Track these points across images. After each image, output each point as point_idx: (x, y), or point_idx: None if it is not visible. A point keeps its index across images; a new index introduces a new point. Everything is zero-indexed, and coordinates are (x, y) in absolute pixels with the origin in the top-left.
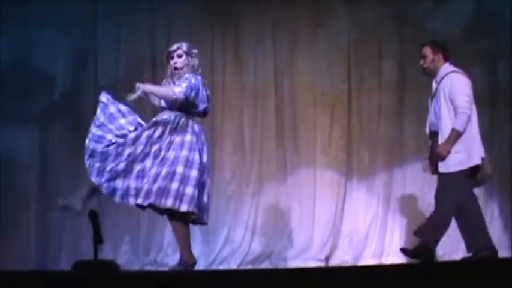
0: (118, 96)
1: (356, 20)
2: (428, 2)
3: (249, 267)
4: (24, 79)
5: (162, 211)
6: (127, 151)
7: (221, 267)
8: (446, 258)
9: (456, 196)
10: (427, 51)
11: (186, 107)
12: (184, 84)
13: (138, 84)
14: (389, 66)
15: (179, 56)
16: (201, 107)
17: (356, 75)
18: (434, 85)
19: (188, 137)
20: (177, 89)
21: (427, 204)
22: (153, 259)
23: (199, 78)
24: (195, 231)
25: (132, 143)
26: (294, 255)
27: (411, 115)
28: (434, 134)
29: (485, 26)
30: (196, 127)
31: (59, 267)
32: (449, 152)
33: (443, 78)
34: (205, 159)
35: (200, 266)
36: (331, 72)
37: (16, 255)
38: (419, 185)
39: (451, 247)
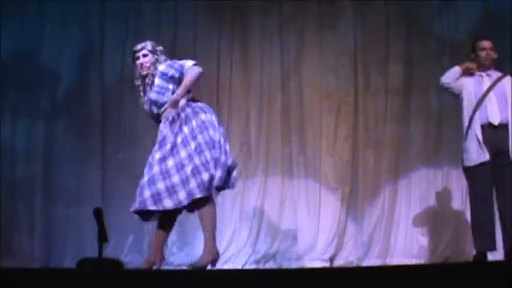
0: (123, 92)
1: (363, 21)
2: (436, 4)
3: (254, 267)
4: (29, 72)
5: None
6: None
7: (226, 267)
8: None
9: None
10: (492, 44)
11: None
12: (181, 62)
13: (170, 103)
14: (395, 67)
15: (145, 56)
16: None
17: (362, 76)
18: (485, 78)
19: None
20: (190, 63)
21: (432, 204)
22: None
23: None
24: (201, 230)
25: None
26: (299, 256)
27: (417, 117)
28: (492, 125)
29: (492, 28)
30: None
31: (63, 264)
32: None
33: (504, 76)
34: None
35: None
36: (337, 73)
37: (19, 252)
38: (424, 185)
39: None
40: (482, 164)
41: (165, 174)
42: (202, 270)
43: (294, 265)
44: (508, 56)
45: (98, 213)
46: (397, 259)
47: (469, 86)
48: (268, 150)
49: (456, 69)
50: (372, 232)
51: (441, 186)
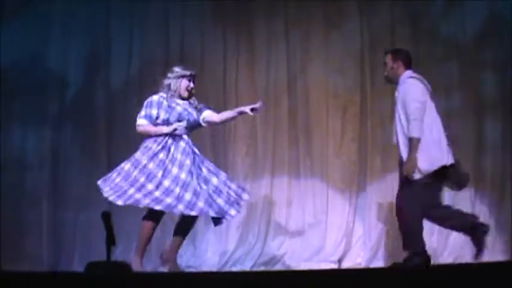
0: (129, 96)
1: (369, 21)
2: (442, 4)
3: (262, 269)
4: (36, 79)
5: None
6: None
7: (234, 269)
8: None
9: (419, 202)
10: (388, 59)
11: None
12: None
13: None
14: None
15: (195, 83)
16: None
17: (369, 77)
18: (396, 94)
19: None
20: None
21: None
22: None
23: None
24: (209, 233)
25: None
26: (307, 257)
27: None
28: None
29: (498, 29)
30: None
31: (71, 268)
32: (415, 163)
33: (400, 86)
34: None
35: (213, 267)
36: (343, 74)
37: (28, 256)
38: None
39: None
40: None
41: None
42: (209, 272)
43: (302, 267)
44: None
45: (106, 217)
46: None
47: None
48: (274, 152)
49: None
50: (380, 233)
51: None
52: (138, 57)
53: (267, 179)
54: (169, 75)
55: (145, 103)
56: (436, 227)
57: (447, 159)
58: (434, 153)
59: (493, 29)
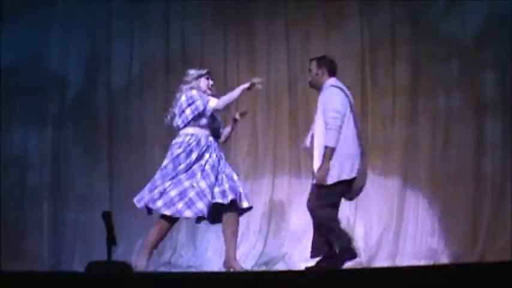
0: (130, 97)
1: (369, 21)
2: (442, 4)
3: (263, 268)
4: (36, 79)
5: None
6: None
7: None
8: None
9: (327, 207)
10: (312, 65)
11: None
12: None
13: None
14: (402, 68)
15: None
16: None
17: (369, 77)
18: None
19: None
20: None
21: (441, 205)
22: (166, 260)
23: None
24: (210, 233)
25: None
26: (308, 257)
27: (425, 117)
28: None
29: (498, 29)
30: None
31: (72, 268)
32: (327, 171)
33: (321, 92)
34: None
35: (214, 267)
36: (344, 74)
37: (29, 256)
38: (432, 186)
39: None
40: None
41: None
42: (210, 272)
43: (303, 267)
44: None
45: (107, 217)
46: (406, 260)
47: None
48: (275, 152)
49: None
50: (381, 233)
51: (449, 187)
52: (139, 58)
53: (268, 179)
54: (187, 78)
55: (190, 97)
56: (436, 227)
57: (354, 172)
58: (345, 164)
59: (493, 29)
